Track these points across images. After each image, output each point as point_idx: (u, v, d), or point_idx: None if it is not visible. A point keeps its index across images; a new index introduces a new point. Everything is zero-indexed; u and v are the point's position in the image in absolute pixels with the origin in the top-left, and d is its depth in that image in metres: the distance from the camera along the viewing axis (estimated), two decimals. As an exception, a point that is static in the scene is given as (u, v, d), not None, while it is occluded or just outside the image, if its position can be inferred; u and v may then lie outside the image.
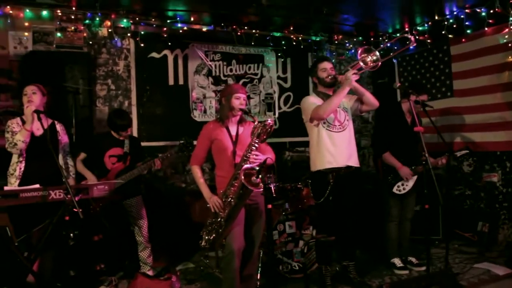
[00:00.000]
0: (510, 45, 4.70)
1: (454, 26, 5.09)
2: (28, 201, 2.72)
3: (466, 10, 4.90)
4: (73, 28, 4.75)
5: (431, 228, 4.95)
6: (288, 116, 5.94)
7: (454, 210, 5.32)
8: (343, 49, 6.39)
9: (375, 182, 5.05)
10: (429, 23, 5.39)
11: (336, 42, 6.22)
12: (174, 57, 5.31)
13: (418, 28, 5.54)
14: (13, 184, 3.32)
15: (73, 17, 4.72)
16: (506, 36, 4.72)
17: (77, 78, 4.54)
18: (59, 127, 3.69)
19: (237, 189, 3.05)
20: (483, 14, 4.74)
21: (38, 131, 3.43)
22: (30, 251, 3.00)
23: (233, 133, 3.32)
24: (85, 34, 4.83)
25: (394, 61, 6.29)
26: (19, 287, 2.97)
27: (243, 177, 2.94)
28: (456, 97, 5.41)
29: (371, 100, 3.67)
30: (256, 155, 3.10)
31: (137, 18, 4.99)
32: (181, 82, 5.34)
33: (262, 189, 2.95)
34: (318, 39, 6.07)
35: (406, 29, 5.71)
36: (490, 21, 4.74)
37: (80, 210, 2.66)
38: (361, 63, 3.45)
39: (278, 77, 5.97)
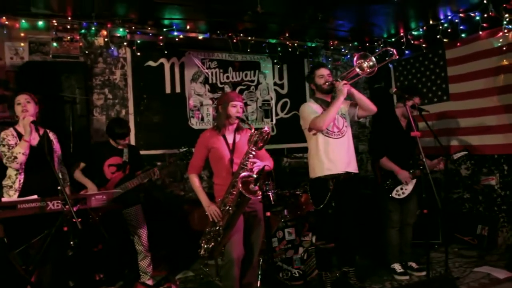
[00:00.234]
0: (504, 48, 4.72)
1: (449, 30, 5.12)
2: (26, 212, 2.70)
3: (461, 15, 4.94)
4: (69, 38, 4.77)
5: (430, 232, 4.95)
6: (286, 123, 5.95)
7: (453, 214, 5.33)
8: (339, 55, 6.42)
9: (373, 187, 5.05)
10: (424, 27, 5.42)
11: (331, 47, 6.25)
12: (170, 65, 5.33)
13: (413, 32, 5.57)
14: (11, 196, 3.24)
15: (69, 27, 4.74)
16: (501, 40, 4.75)
17: (74, 88, 4.53)
18: (52, 135, 3.60)
19: (235, 197, 3.04)
20: (477, 18, 4.77)
21: (34, 141, 3.39)
22: (28, 263, 2.98)
23: (230, 141, 3.32)
24: (81, 44, 4.84)
25: (390, 66, 6.32)
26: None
27: (241, 185, 2.93)
28: (453, 100, 5.43)
29: (369, 105, 3.68)
30: (254, 162, 3.10)
31: (133, 27, 5.01)
32: (178, 90, 5.35)
33: (260, 197, 2.95)
34: (313, 45, 6.10)
35: (401, 34, 5.74)
36: (484, 25, 4.77)
37: (79, 220, 2.64)
38: (358, 70, 3.46)
39: (275, 84, 5.98)
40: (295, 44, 5.87)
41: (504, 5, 4.51)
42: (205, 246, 3.18)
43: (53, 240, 2.83)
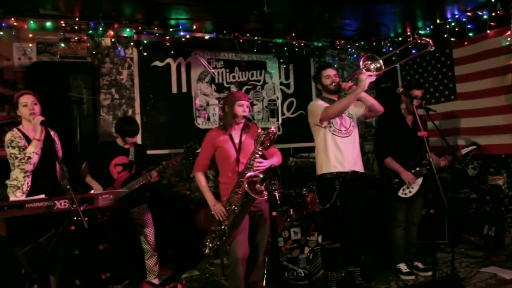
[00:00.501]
0: (512, 47, 4.70)
1: (456, 29, 5.10)
2: (33, 212, 2.72)
3: (468, 13, 4.91)
4: (76, 38, 4.81)
5: (436, 232, 4.93)
6: (292, 122, 5.95)
7: (459, 213, 5.30)
8: (346, 54, 6.40)
9: (379, 186, 5.03)
10: (431, 26, 5.40)
11: (338, 47, 6.23)
12: (177, 65, 5.35)
13: (420, 31, 5.55)
14: (19, 197, 3.20)
15: (76, 27, 4.77)
16: (509, 39, 4.72)
17: (81, 88, 4.57)
18: (53, 134, 3.51)
19: (240, 196, 3.05)
20: (485, 17, 4.75)
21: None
22: (36, 261, 3.01)
23: (236, 140, 3.33)
24: (88, 44, 4.88)
25: (397, 65, 6.29)
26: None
27: (246, 185, 2.94)
28: (460, 100, 5.40)
29: (376, 106, 3.67)
30: (260, 162, 3.11)
31: (139, 27, 5.03)
32: (184, 90, 5.37)
33: (266, 197, 2.96)
34: (320, 44, 6.09)
35: (408, 33, 5.72)
36: (492, 23, 4.74)
37: (86, 219, 2.66)
38: (365, 72, 3.45)
39: (281, 83, 5.98)
40: (302, 44, 5.86)
41: (512, 3, 4.49)
42: (210, 245, 3.20)
43: (60, 239, 2.85)
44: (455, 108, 5.44)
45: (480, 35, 5.01)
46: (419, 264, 4.26)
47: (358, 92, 3.44)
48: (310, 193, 4.33)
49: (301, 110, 5.92)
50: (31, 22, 4.58)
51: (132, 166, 4.02)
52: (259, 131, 3.14)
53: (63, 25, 4.70)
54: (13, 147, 3.21)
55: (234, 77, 5.65)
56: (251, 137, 3.31)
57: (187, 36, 5.21)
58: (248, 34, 5.51)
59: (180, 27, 5.13)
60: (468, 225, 5.15)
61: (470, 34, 5.08)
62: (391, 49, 6.08)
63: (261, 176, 3.02)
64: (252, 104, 5.66)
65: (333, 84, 3.70)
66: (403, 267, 4.18)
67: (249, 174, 3.03)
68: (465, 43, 5.23)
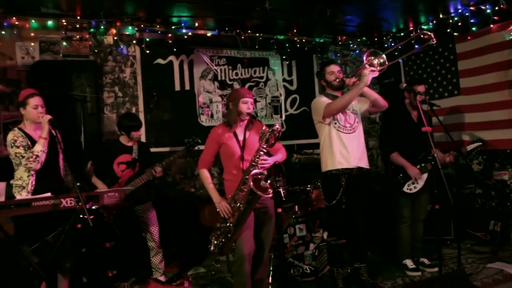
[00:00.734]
0: (516, 41, 4.68)
1: (459, 24, 5.07)
2: (40, 210, 2.73)
3: (471, 8, 4.89)
4: (78, 37, 4.79)
5: (442, 228, 4.92)
6: (295, 119, 5.93)
7: (465, 209, 5.28)
8: (348, 50, 6.38)
9: (384, 182, 5.02)
10: (434, 21, 5.37)
11: (340, 43, 6.21)
12: (179, 62, 5.34)
13: (422, 26, 5.52)
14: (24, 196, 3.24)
15: (78, 26, 4.75)
16: (512, 33, 4.70)
17: (84, 86, 4.57)
18: (54, 132, 3.38)
19: (245, 194, 3.05)
20: (488, 11, 4.72)
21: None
22: (43, 259, 3.01)
23: (241, 138, 3.32)
24: (90, 43, 4.86)
25: (400, 60, 6.27)
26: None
27: (251, 183, 2.94)
28: (463, 95, 5.38)
29: (380, 101, 3.66)
30: (265, 160, 3.11)
31: (142, 25, 5.02)
32: (187, 87, 5.36)
33: (271, 194, 2.95)
34: (322, 40, 6.07)
35: (411, 28, 5.70)
36: (495, 18, 4.72)
37: (91, 217, 2.66)
38: (368, 67, 3.44)
39: (284, 80, 5.97)
40: (303, 40, 5.84)
41: (516, -3, 4.47)
42: (215, 242, 3.20)
43: (67, 237, 2.85)
44: (459, 103, 5.42)
45: (484, 29, 4.99)
46: (425, 260, 4.25)
47: (361, 87, 3.43)
48: (315, 190, 4.32)
49: (304, 106, 5.91)
50: (33, 21, 4.56)
51: (136, 164, 4.02)
52: (263, 128, 3.14)
53: (65, 23, 4.68)
54: (17, 147, 3.19)
55: (236, 74, 5.64)
56: (255, 134, 3.30)
57: (189, 34, 5.19)
58: (250, 31, 5.49)
59: (182, 24, 5.11)
60: (474, 221, 5.13)
61: (474, 28, 5.05)
62: (393, 44, 6.06)
63: (266, 173, 3.01)
64: (255, 101, 5.64)
65: (337, 80, 3.69)
66: (409, 263, 4.17)
67: (254, 171, 3.02)
68: (469, 37, 5.21)
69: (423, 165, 4.07)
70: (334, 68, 3.73)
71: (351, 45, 6.34)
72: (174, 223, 4.74)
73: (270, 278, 3.78)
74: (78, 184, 2.75)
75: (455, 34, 5.22)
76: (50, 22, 4.62)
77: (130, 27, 4.96)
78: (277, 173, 3.31)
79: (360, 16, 5.43)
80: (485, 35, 5.03)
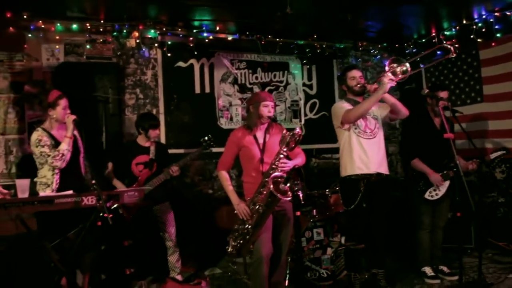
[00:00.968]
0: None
1: (483, 30, 5.00)
2: (62, 207, 2.79)
3: (496, 14, 4.81)
4: (102, 39, 4.89)
5: (463, 236, 4.82)
6: (314, 123, 5.92)
7: (487, 218, 5.18)
8: (369, 56, 6.34)
9: (404, 189, 4.96)
10: (457, 27, 5.30)
11: (360, 48, 6.18)
12: (200, 66, 5.39)
13: (445, 33, 5.45)
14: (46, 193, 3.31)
15: (102, 29, 4.85)
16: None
17: (106, 88, 4.64)
18: (76, 133, 3.50)
19: (265, 196, 3.05)
20: (514, 17, 4.65)
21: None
22: (64, 256, 3.06)
23: (261, 141, 3.33)
24: (113, 45, 4.96)
25: (422, 66, 6.20)
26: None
27: (272, 186, 2.94)
28: (487, 102, 5.29)
29: (401, 108, 3.62)
30: (284, 163, 3.11)
31: (164, 29, 5.09)
32: (207, 90, 5.41)
33: (290, 197, 2.95)
34: (342, 46, 6.06)
35: (433, 34, 5.63)
36: (521, 24, 4.65)
37: (110, 215, 2.70)
38: (390, 74, 3.41)
39: (304, 84, 5.97)
40: (324, 45, 5.84)
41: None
42: (233, 243, 3.21)
43: (87, 234, 2.90)
44: (482, 110, 5.34)
45: (508, 35, 4.92)
46: (445, 268, 4.17)
47: (379, 94, 3.43)
48: (333, 194, 4.30)
49: (323, 111, 5.89)
50: (59, 24, 4.68)
51: (153, 164, 4.07)
52: (284, 132, 3.15)
53: (89, 27, 4.79)
54: (42, 146, 3.25)
55: (256, 78, 5.66)
56: (276, 138, 3.31)
57: (210, 37, 5.25)
58: (270, 36, 5.52)
59: (204, 28, 5.16)
60: (496, 230, 5.03)
61: (498, 34, 4.98)
62: (414, 50, 6.01)
63: (285, 176, 3.02)
64: (275, 105, 5.64)
65: (358, 85, 3.67)
66: (428, 270, 4.11)
67: (274, 174, 3.03)
68: (493, 44, 5.13)
69: (445, 172, 4.00)
70: (356, 73, 3.71)
71: (372, 51, 6.30)
72: (191, 224, 4.78)
73: (287, 281, 3.77)
74: (95, 181, 2.80)
75: (478, 40, 5.14)
76: (74, 25, 4.73)
77: (152, 30, 5.04)
78: (296, 176, 3.32)
79: (381, 21, 5.40)
80: (510, 42, 4.95)
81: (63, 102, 3.34)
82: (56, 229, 3.11)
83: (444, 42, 5.40)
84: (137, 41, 5.04)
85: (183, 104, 5.26)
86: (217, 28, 5.26)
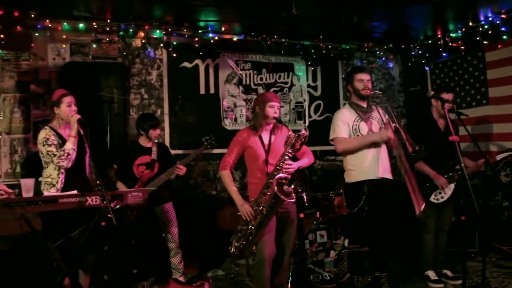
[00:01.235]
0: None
1: (490, 32, 4.98)
2: (66, 207, 2.79)
3: (502, 16, 4.80)
4: (108, 39, 4.91)
5: (466, 240, 4.80)
6: (319, 125, 5.91)
7: (491, 222, 5.14)
8: (374, 57, 6.33)
9: (407, 192, 4.93)
10: (463, 29, 5.29)
11: (366, 50, 6.17)
12: (205, 66, 5.40)
13: (451, 34, 5.44)
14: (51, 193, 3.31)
15: (108, 29, 4.88)
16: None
17: (111, 88, 4.64)
18: (82, 132, 3.42)
19: (269, 198, 3.05)
20: (521, 19, 4.63)
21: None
22: (67, 255, 3.07)
23: (266, 141, 3.33)
24: (119, 45, 4.98)
25: (427, 68, 6.18)
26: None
27: (276, 187, 2.94)
28: (492, 105, 5.26)
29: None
30: (289, 164, 3.11)
31: (169, 29, 5.10)
32: (212, 91, 5.42)
33: (294, 199, 2.95)
34: (348, 47, 6.05)
35: (439, 36, 5.61)
36: (528, 26, 4.62)
37: (114, 216, 2.71)
38: (392, 128, 3.47)
39: (308, 86, 5.97)
40: (329, 46, 5.83)
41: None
42: (236, 244, 3.19)
43: (91, 234, 2.91)
44: (487, 113, 5.31)
45: (515, 38, 4.89)
46: (448, 272, 4.15)
47: (373, 140, 3.53)
48: (337, 197, 4.29)
49: (328, 113, 5.88)
50: (65, 23, 4.71)
51: (154, 165, 4.07)
52: (289, 133, 3.14)
53: (95, 26, 4.82)
54: (49, 145, 3.25)
55: (261, 79, 5.66)
56: (281, 139, 3.31)
57: (216, 38, 5.26)
58: (275, 36, 5.52)
59: (209, 28, 5.18)
60: (500, 234, 4.99)
61: (504, 37, 4.96)
62: (420, 52, 6.00)
63: (289, 177, 3.01)
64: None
65: (364, 90, 3.65)
66: (431, 274, 4.09)
67: (278, 175, 3.02)
68: (499, 46, 5.11)
69: (450, 174, 3.98)
70: (364, 76, 3.68)
71: (377, 52, 6.29)
72: (194, 225, 4.78)
73: (289, 283, 3.76)
74: (98, 182, 2.80)
75: (484, 42, 5.12)
76: (81, 25, 4.76)
77: (158, 31, 5.06)
78: (300, 178, 3.31)
79: (387, 22, 5.39)
80: (516, 44, 4.92)
81: (67, 100, 3.33)
82: (60, 228, 3.11)
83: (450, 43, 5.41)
84: (143, 41, 5.06)
85: (187, 105, 5.27)
86: (223, 29, 5.28)
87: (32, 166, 3.53)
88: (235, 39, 5.39)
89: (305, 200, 2.95)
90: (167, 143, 5.07)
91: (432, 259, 4.15)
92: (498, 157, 4.15)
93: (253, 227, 3.11)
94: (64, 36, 4.74)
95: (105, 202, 2.75)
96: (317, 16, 4.93)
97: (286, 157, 3.11)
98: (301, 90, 5.91)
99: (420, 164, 4.07)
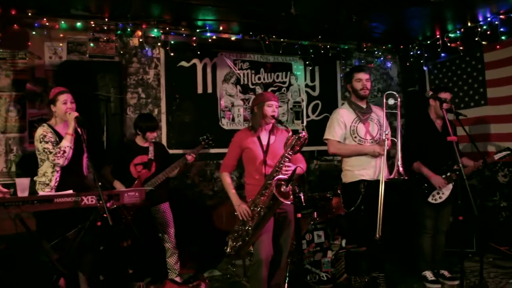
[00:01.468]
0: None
1: (488, 32, 4.96)
2: (61, 206, 2.77)
3: (501, 16, 4.79)
4: (105, 38, 4.88)
5: (464, 240, 4.79)
6: (316, 125, 5.88)
7: (488, 222, 5.14)
8: (372, 57, 6.32)
9: (404, 192, 4.93)
10: (461, 29, 5.28)
11: (364, 50, 6.16)
12: (203, 65, 5.38)
13: (449, 35, 5.43)
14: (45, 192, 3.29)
15: (105, 27, 4.85)
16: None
17: (108, 87, 4.63)
18: (80, 131, 3.38)
19: (267, 199, 3.02)
20: (519, 20, 4.62)
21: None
22: (62, 256, 3.06)
23: (264, 142, 3.30)
24: (116, 44, 4.95)
25: (425, 68, 6.18)
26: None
27: (274, 188, 2.92)
28: (490, 105, 5.26)
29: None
30: (289, 166, 3.09)
31: (167, 28, 5.08)
32: (209, 90, 5.40)
33: (292, 201, 2.93)
34: (346, 47, 6.03)
35: (437, 36, 5.61)
36: (527, 27, 4.61)
37: (110, 216, 2.69)
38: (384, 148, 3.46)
39: (306, 86, 5.95)
40: (328, 46, 5.82)
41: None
42: (232, 244, 3.17)
43: (86, 234, 2.89)
44: (485, 113, 5.31)
45: (514, 38, 4.88)
46: (445, 273, 4.14)
47: (366, 151, 3.56)
48: (334, 197, 4.28)
49: (326, 112, 5.86)
50: (63, 22, 4.68)
51: (152, 164, 4.05)
52: (289, 134, 3.13)
53: (93, 25, 4.79)
54: (46, 142, 3.24)
55: (259, 78, 5.65)
56: (280, 140, 3.28)
57: (214, 37, 5.23)
58: (274, 36, 5.50)
59: (207, 28, 5.15)
60: (497, 234, 4.99)
61: (503, 37, 4.95)
62: (418, 52, 5.99)
63: (287, 179, 2.99)
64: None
65: (363, 90, 3.64)
66: (428, 275, 4.08)
67: (278, 177, 3.00)
68: (497, 46, 5.11)
69: (448, 174, 3.96)
70: (363, 76, 3.67)
71: (376, 52, 6.28)
72: (191, 225, 4.76)
73: (286, 284, 3.75)
74: (100, 183, 2.78)
75: (483, 43, 5.11)
76: (78, 24, 4.73)
77: (155, 30, 5.03)
78: (298, 178, 3.29)
79: (386, 23, 5.38)
80: (515, 45, 4.92)
81: (63, 97, 3.32)
82: (56, 228, 3.09)
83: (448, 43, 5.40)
84: (140, 40, 5.05)
85: (185, 104, 5.25)
86: (221, 28, 5.25)
87: (28, 165, 3.50)
88: (233, 38, 5.37)
89: (303, 200, 2.93)
90: (164, 142, 5.05)
91: (429, 259, 4.14)
92: (496, 156, 4.14)
93: (250, 228, 3.09)
94: (61, 35, 4.71)
95: (101, 202, 2.74)
96: (316, 16, 4.91)
97: (286, 159, 3.09)
98: (299, 90, 5.89)
99: (417, 164, 4.06)
